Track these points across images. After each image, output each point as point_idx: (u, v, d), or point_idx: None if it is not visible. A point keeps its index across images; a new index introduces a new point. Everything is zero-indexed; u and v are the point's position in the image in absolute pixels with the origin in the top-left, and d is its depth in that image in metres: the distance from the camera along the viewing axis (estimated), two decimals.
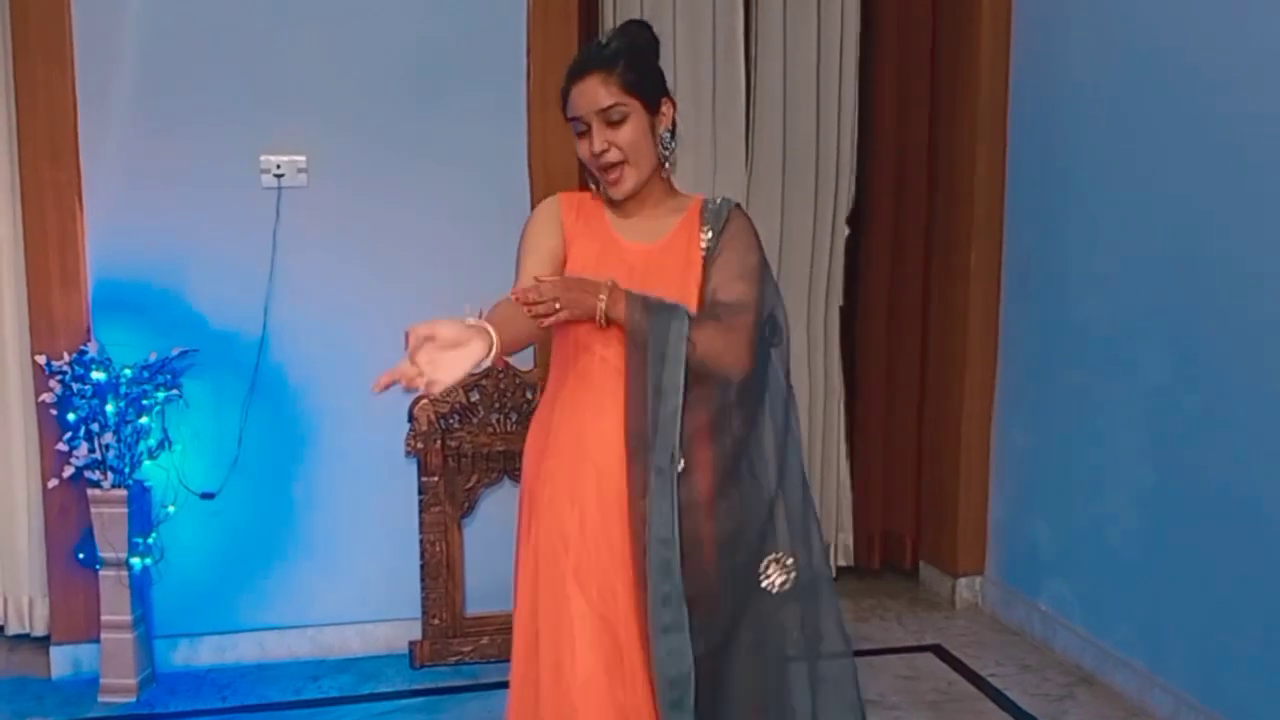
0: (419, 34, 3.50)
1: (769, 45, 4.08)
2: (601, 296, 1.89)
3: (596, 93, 1.98)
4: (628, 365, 1.96)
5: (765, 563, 2.01)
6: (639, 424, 1.94)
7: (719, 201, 2.10)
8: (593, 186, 2.13)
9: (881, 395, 4.39)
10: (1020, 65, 3.84)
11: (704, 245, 2.03)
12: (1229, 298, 2.96)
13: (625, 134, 1.99)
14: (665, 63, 3.95)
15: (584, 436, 2.03)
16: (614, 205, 2.09)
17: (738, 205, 2.10)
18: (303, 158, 3.45)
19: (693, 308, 1.98)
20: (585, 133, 2.01)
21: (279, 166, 3.43)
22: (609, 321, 1.91)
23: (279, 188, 3.44)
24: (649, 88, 2.03)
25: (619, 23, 3.78)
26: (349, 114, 3.48)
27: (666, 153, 2.07)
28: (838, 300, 4.28)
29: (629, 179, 2.03)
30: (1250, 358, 2.89)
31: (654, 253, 2.05)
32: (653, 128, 2.03)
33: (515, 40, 3.54)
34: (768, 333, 2.02)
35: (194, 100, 3.39)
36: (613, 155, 2.00)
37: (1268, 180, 2.82)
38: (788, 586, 2.01)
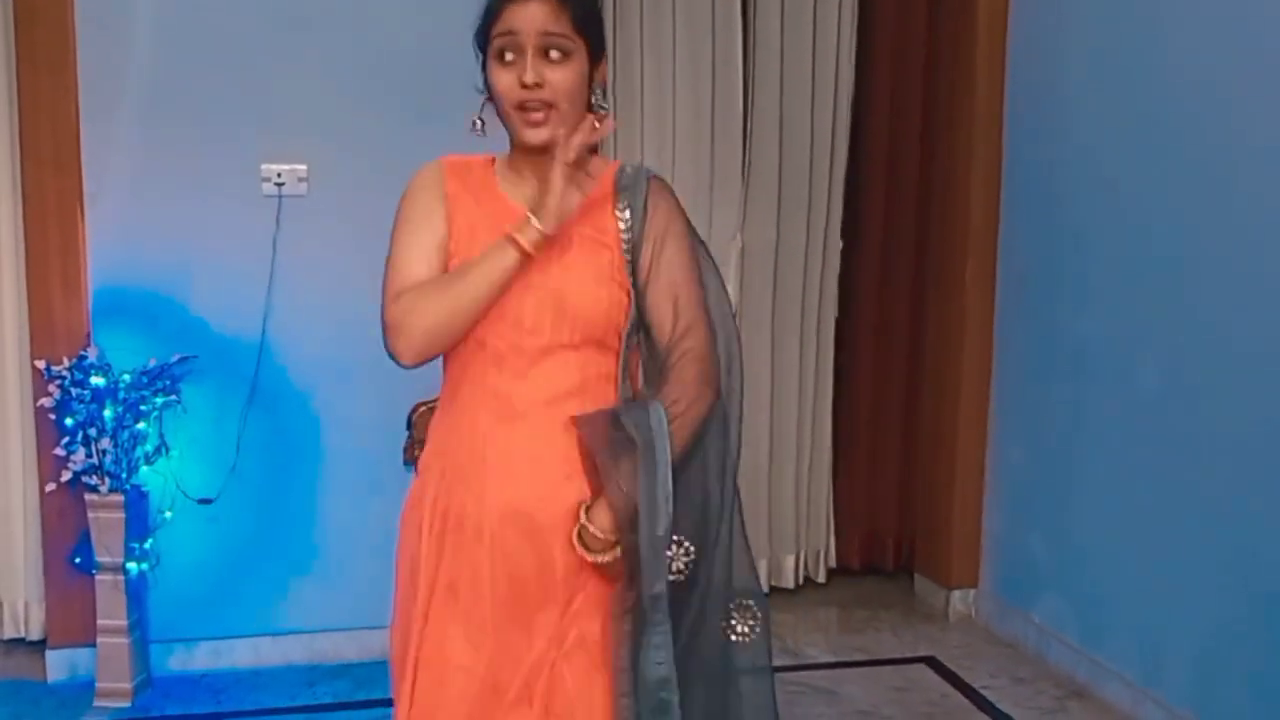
0: (419, 45, 3.51)
1: (766, 58, 4.11)
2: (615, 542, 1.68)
3: (546, 13, 1.67)
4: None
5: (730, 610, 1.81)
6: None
7: (632, 170, 1.79)
8: (477, 121, 1.80)
9: (868, 405, 4.41)
10: (1015, 78, 3.86)
11: (622, 228, 1.73)
12: (1223, 312, 2.98)
13: (563, 74, 1.68)
14: (664, 74, 4.03)
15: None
16: (510, 165, 1.80)
17: (656, 176, 1.80)
18: (303, 167, 3.47)
19: (599, 288, 1.73)
20: (513, 62, 1.69)
21: (279, 175, 3.45)
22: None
23: (279, 196, 3.46)
24: (597, 34, 1.74)
25: (619, 40, 3.93)
26: (349, 124, 3.50)
27: (600, 108, 1.76)
28: (832, 311, 4.30)
29: (553, 124, 1.69)
30: (1244, 372, 2.91)
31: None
32: (590, 79, 1.74)
33: None
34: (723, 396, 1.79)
35: (195, 109, 3.41)
36: (546, 93, 1.68)
37: (1261, 194, 2.85)
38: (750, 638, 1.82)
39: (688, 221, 1.81)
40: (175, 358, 3.38)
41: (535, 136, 1.71)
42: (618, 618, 1.72)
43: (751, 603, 1.81)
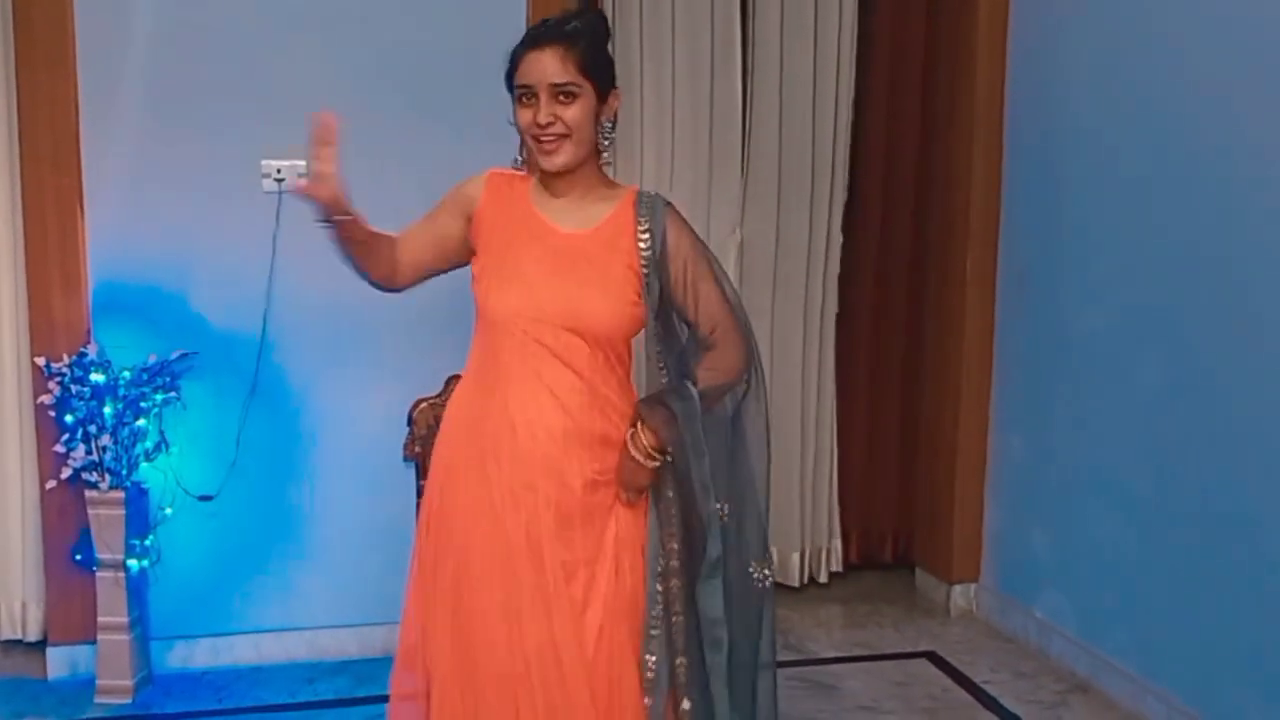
0: (419, 42, 3.52)
1: (766, 54, 4.11)
2: (647, 461, 2.03)
3: (553, 66, 1.99)
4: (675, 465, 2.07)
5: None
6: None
7: (649, 197, 2.10)
8: (520, 156, 2.15)
9: (868, 400, 4.41)
10: (1016, 73, 3.86)
11: (643, 248, 2.04)
12: (1225, 306, 2.98)
13: (572, 112, 2.00)
14: (663, 73, 4.04)
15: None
16: (543, 185, 2.10)
17: (670, 204, 2.12)
18: (303, 162, 3.45)
19: (622, 296, 2.04)
20: (531, 103, 2.02)
21: (279, 171, 3.45)
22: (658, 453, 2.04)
23: (279, 192, 3.45)
24: (603, 74, 2.04)
25: (618, 39, 3.92)
26: (349, 120, 3.43)
27: (606, 141, 2.07)
28: (833, 307, 4.30)
29: (565, 152, 2.02)
30: (1246, 366, 2.90)
31: (580, 238, 2.06)
32: (598, 114, 2.03)
33: None
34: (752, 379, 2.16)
35: (195, 105, 3.40)
36: (557, 128, 2.00)
37: (1263, 187, 2.84)
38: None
39: (700, 239, 2.13)
40: (175, 354, 3.37)
41: (550, 163, 2.03)
42: (661, 575, 2.07)
43: (765, 555, 2.19)
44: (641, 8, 3.95)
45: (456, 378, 3.56)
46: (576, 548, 2.04)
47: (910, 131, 4.28)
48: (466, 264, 2.20)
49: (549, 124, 1.99)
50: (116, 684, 3.33)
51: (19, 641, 3.61)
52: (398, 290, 2.24)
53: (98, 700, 3.32)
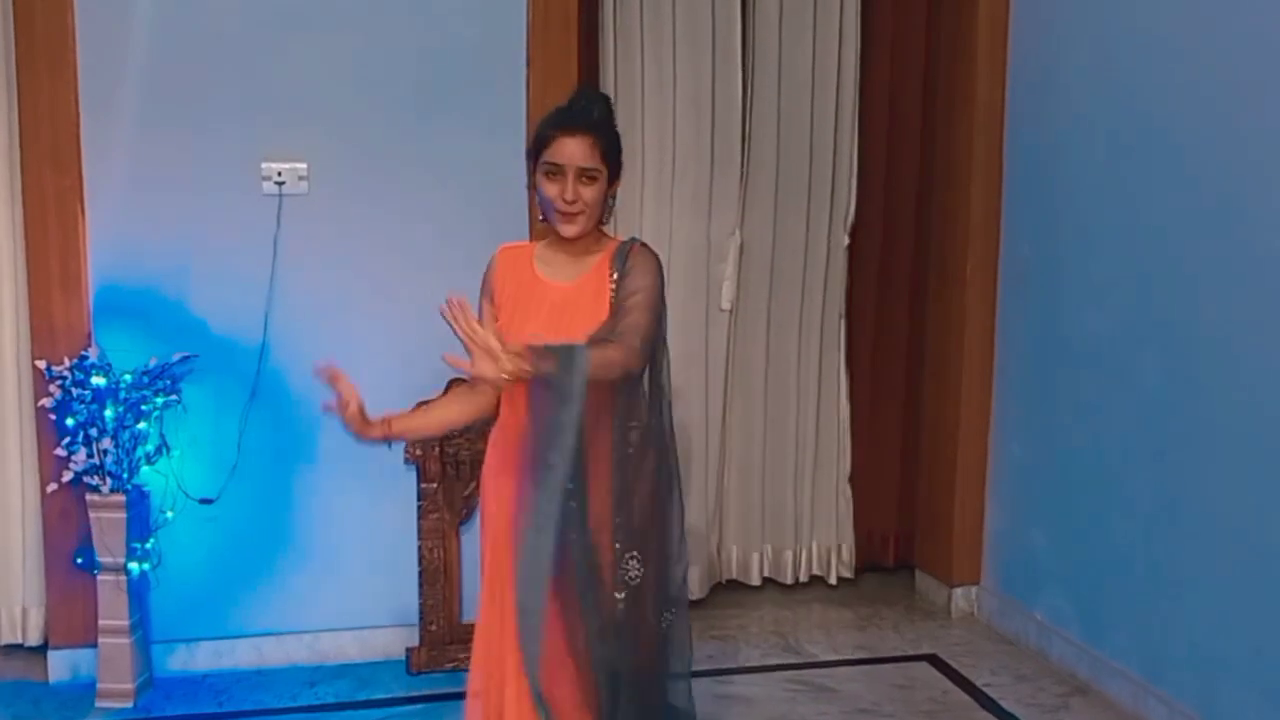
0: (420, 45, 3.52)
1: (766, 55, 4.11)
2: (505, 366, 2.13)
3: (581, 152, 2.33)
4: (532, 404, 2.25)
5: (627, 558, 2.35)
6: (543, 455, 2.22)
7: (627, 242, 2.44)
8: (542, 219, 2.44)
9: (868, 401, 4.41)
10: (1016, 72, 3.86)
11: (611, 283, 2.37)
12: (1225, 307, 2.98)
13: (591, 192, 2.34)
14: (664, 73, 4.04)
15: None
16: (549, 244, 2.45)
17: (639, 242, 2.44)
18: (304, 165, 3.47)
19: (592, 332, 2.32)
20: (559, 177, 2.33)
21: (280, 174, 3.44)
22: (513, 379, 2.15)
23: (280, 195, 3.45)
24: (616, 161, 2.40)
25: (619, 40, 3.97)
26: (350, 122, 3.49)
27: (609, 215, 2.45)
28: (836, 309, 4.29)
29: (580, 224, 2.36)
30: (1246, 367, 2.90)
31: (570, 290, 2.39)
32: (608, 193, 2.39)
33: (515, 53, 3.56)
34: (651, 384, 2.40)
35: (196, 107, 3.40)
36: (578, 206, 2.34)
37: (1263, 187, 2.84)
38: (635, 582, 2.35)
39: (653, 264, 2.40)
40: (176, 357, 3.37)
41: (568, 232, 2.37)
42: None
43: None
44: (642, 8, 3.96)
45: (457, 381, 3.58)
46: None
47: (911, 132, 4.29)
48: None
49: (573, 201, 2.33)
50: (117, 687, 3.33)
51: (20, 645, 3.61)
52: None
53: (99, 704, 3.32)
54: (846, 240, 4.25)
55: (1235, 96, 2.93)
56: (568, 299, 2.38)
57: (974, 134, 3.93)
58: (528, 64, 3.56)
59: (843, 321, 4.31)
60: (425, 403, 2.58)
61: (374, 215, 3.55)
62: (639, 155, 4.00)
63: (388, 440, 2.45)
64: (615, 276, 2.38)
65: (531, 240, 2.57)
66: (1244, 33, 2.90)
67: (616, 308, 2.35)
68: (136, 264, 3.40)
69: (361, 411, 2.36)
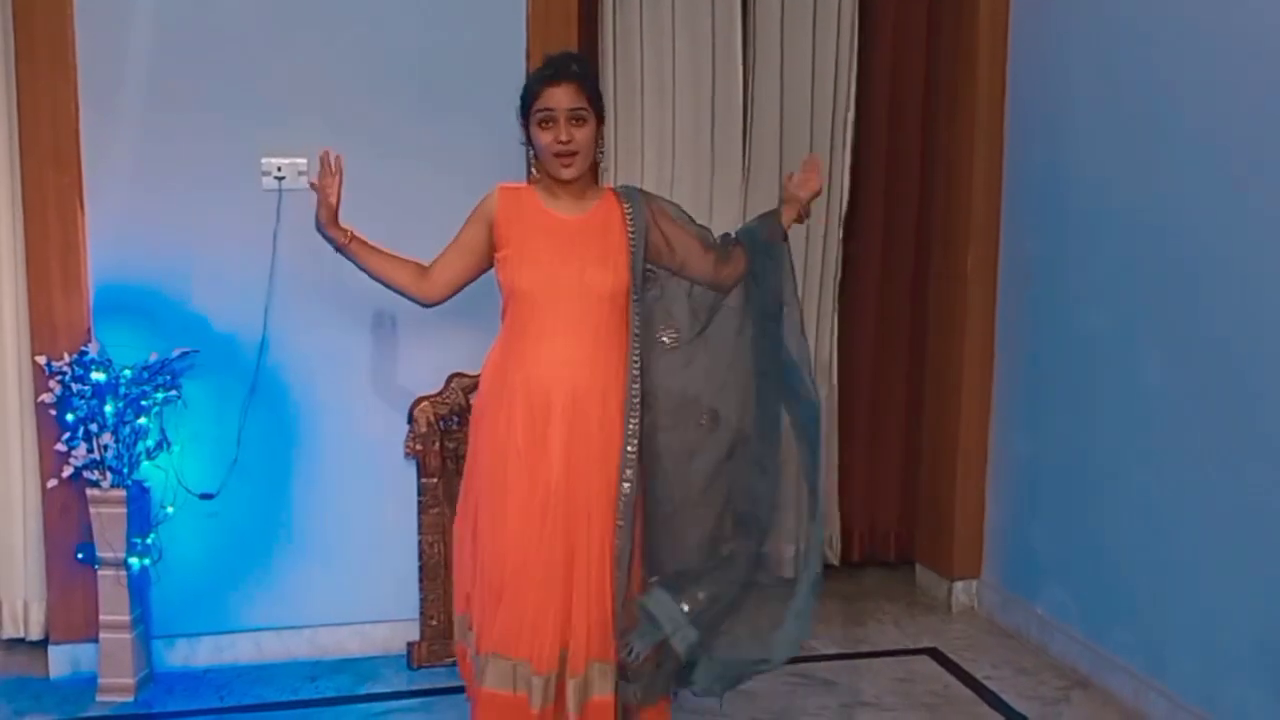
0: (419, 40, 3.52)
1: (766, 54, 4.11)
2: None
3: (569, 96, 2.56)
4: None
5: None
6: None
7: (625, 186, 2.74)
8: (533, 171, 2.71)
9: (869, 396, 4.41)
10: (1018, 69, 3.86)
11: (628, 214, 2.62)
12: (1227, 302, 2.97)
13: (582, 133, 2.58)
14: (664, 69, 4.03)
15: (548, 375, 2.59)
16: (548, 188, 2.65)
17: (640, 189, 2.75)
18: (303, 160, 3.46)
19: (614, 263, 2.59)
20: (552, 124, 2.56)
21: (280, 169, 3.44)
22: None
23: (280, 190, 3.45)
24: (599, 105, 2.65)
25: (619, 34, 3.97)
26: (350, 117, 3.49)
27: (600, 155, 2.70)
28: (833, 305, 4.29)
29: (578, 165, 2.59)
30: (1247, 363, 2.90)
31: (580, 221, 2.63)
32: (597, 135, 2.63)
33: (515, 49, 3.56)
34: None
35: (196, 103, 3.40)
36: (573, 145, 2.57)
37: (1264, 186, 2.84)
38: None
39: (669, 201, 2.75)
40: (176, 353, 3.37)
41: (568, 174, 2.60)
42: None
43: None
44: (642, 7, 3.96)
45: (457, 375, 3.58)
46: (594, 445, 2.57)
47: (911, 130, 4.29)
48: (488, 269, 2.69)
49: (568, 141, 2.55)
50: (118, 682, 3.34)
51: (21, 640, 3.62)
52: (434, 304, 2.74)
53: (100, 699, 3.33)
54: (840, 234, 4.25)
55: (1237, 96, 2.92)
56: (577, 229, 2.61)
57: (975, 131, 3.93)
58: (527, 60, 3.56)
59: (835, 316, 4.31)
60: (384, 252, 2.76)
61: (373, 211, 3.52)
62: (639, 155, 4.00)
63: (339, 248, 2.69)
64: (629, 208, 2.62)
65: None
66: (1244, 32, 2.89)
67: (687, 233, 2.67)
68: (136, 260, 3.40)
69: (336, 209, 2.65)
